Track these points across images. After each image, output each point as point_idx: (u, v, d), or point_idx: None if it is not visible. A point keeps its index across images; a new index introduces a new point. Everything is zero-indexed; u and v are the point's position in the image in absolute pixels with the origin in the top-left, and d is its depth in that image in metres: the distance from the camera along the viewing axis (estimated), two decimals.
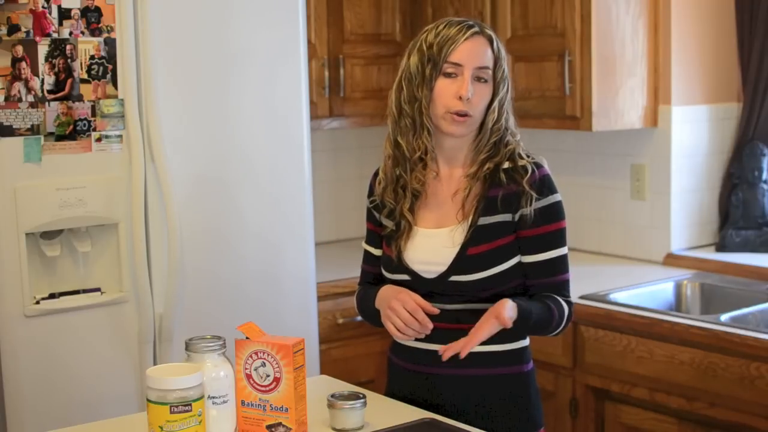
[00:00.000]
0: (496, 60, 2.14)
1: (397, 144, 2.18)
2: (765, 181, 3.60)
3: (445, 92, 2.11)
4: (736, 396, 2.77)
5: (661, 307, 3.25)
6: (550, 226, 2.14)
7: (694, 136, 3.62)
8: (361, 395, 2.05)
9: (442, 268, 2.13)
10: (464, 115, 2.11)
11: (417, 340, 2.19)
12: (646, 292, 3.31)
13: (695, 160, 3.64)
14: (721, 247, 3.61)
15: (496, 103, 2.14)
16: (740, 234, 3.58)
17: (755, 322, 2.99)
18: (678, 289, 3.39)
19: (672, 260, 3.60)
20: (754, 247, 3.56)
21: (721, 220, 3.69)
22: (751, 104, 3.60)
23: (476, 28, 2.13)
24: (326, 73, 3.70)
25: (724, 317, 2.94)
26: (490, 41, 2.14)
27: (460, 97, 2.09)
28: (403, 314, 2.10)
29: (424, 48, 2.13)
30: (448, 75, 2.11)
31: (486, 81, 2.13)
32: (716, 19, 3.66)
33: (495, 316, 2.04)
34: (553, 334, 2.18)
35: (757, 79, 3.57)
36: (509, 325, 2.04)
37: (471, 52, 2.11)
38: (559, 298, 2.15)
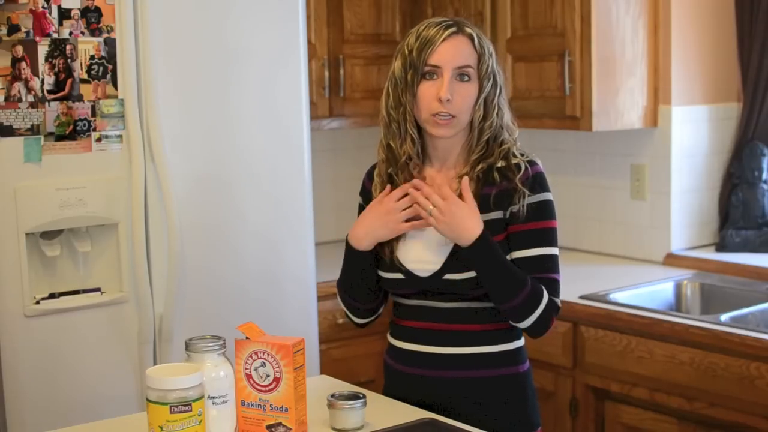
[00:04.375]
0: (479, 57, 2.13)
1: (389, 147, 2.19)
2: (765, 181, 3.60)
3: (427, 95, 2.11)
4: (736, 396, 2.77)
5: (661, 307, 3.25)
6: (539, 222, 2.13)
7: (694, 136, 3.62)
8: (361, 395, 2.05)
9: (436, 267, 2.12)
10: (447, 116, 2.11)
11: (414, 343, 2.19)
12: (646, 292, 3.31)
13: (695, 160, 3.64)
14: (721, 247, 3.61)
15: (481, 100, 2.14)
16: (740, 234, 3.58)
17: (755, 322, 2.99)
18: (678, 289, 3.39)
19: (672, 260, 3.60)
20: (754, 247, 3.56)
21: (721, 220, 3.69)
22: (751, 104, 3.60)
23: (454, 28, 2.12)
24: (326, 73, 3.70)
25: (724, 317, 2.94)
26: (471, 39, 2.13)
27: (440, 99, 2.09)
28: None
29: (406, 52, 2.14)
30: (429, 77, 2.12)
31: (469, 79, 2.12)
32: (716, 19, 3.66)
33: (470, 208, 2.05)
34: (527, 321, 2.09)
35: (757, 79, 3.57)
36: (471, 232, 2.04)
37: (449, 53, 2.10)
38: (542, 285, 2.10)
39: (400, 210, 2.12)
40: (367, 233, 2.16)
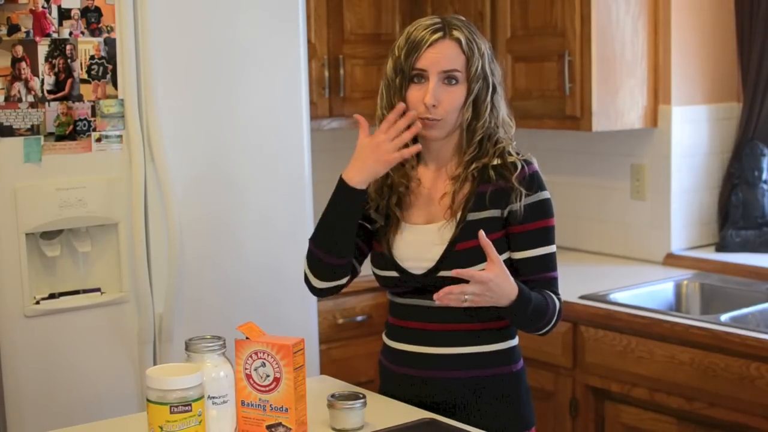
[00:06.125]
0: (467, 60, 2.12)
1: None
2: (765, 181, 3.60)
3: (414, 99, 2.12)
4: (736, 396, 2.77)
5: (661, 307, 3.25)
6: (539, 222, 2.14)
7: (694, 136, 3.62)
8: (361, 395, 2.05)
9: (431, 264, 2.13)
10: (433, 119, 2.11)
11: (407, 343, 2.19)
12: (646, 292, 3.31)
13: (695, 160, 3.64)
14: (721, 247, 3.61)
15: (469, 102, 2.13)
16: (740, 234, 3.58)
17: (755, 322, 2.99)
18: (678, 289, 3.39)
19: (672, 260, 3.60)
20: (754, 247, 3.56)
21: (721, 220, 3.69)
22: (751, 104, 3.60)
23: (441, 33, 2.11)
24: (326, 73, 3.70)
25: (724, 317, 2.94)
26: (458, 42, 2.12)
27: (425, 105, 2.10)
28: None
29: (396, 54, 2.15)
30: (417, 80, 2.12)
31: (457, 83, 2.12)
32: (716, 19, 3.66)
33: (503, 279, 2.03)
34: (543, 331, 2.16)
35: (757, 79, 3.57)
36: (505, 299, 2.04)
37: (435, 58, 2.10)
38: (552, 294, 2.15)
39: (389, 140, 2.08)
40: (359, 170, 2.11)
